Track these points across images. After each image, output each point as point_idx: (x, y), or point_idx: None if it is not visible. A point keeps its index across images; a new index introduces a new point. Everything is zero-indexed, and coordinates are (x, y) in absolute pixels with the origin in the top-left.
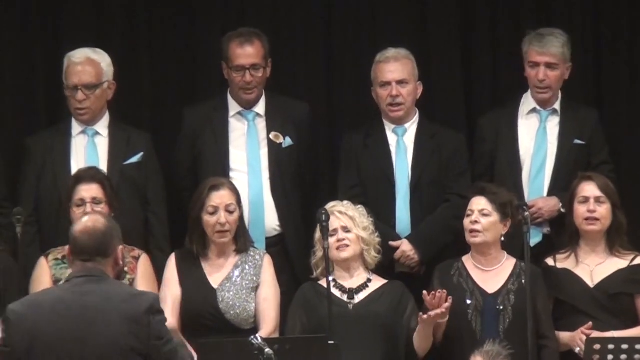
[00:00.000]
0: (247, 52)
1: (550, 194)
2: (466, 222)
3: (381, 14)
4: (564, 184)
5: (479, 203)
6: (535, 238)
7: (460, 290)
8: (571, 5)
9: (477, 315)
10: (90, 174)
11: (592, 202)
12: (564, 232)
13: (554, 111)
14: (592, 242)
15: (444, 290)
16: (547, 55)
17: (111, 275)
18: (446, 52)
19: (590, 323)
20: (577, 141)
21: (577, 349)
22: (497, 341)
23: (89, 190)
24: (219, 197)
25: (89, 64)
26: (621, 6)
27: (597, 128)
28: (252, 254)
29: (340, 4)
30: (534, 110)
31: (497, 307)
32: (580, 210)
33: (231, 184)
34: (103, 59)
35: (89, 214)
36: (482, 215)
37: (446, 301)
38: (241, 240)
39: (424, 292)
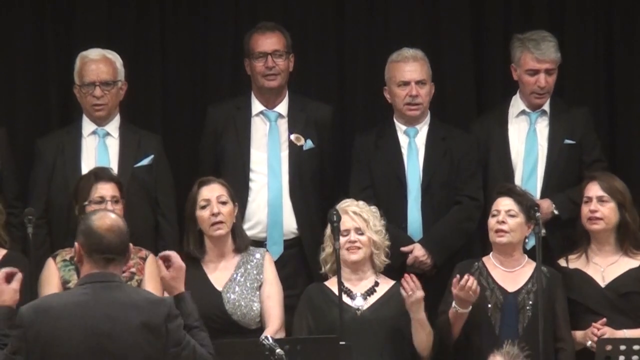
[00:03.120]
0: (268, 39)
1: (543, 195)
2: (492, 221)
3: (393, 15)
4: (556, 184)
5: (505, 203)
6: (531, 240)
7: (480, 288)
8: (584, 3)
9: (496, 313)
10: (107, 174)
11: (595, 201)
12: (558, 234)
13: (543, 112)
14: (600, 241)
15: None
16: (547, 62)
17: (120, 273)
18: (457, 52)
19: (604, 319)
20: (568, 141)
21: (589, 343)
22: (516, 342)
23: (108, 189)
24: (209, 190)
25: (105, 62)
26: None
27: (587, 126)
28: (252, 253)
29: (351, 4)
30: (523, 113)
31: (518, 305)
32: (584, 210)
33: (221, 180)
34: (117, 59)
35: (99, 211)
36: (509, 215)
37: (472, 288)
38: (239, 238)
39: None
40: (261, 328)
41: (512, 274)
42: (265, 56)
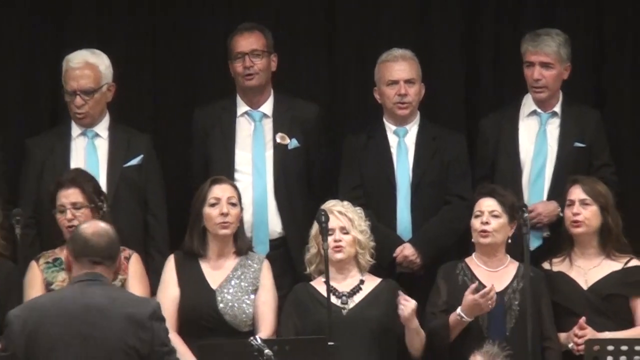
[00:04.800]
0: (246, 39)
1: (550, 197)
2: (475, 222)
3: (383, 15)
4: (563, 186)
5: (488, 204)
6: (535, 242)
7: (465, 289)
8: (574, 5)
9: (484, 314)
10: (69, 178)
11: (577, 204)
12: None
13: (554, 113)
14: (583, 244)
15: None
16: (541, 55)
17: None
18: (447, 53)
19: (584, 317)
20: (578, 144)
21: (571, 344)
22: (497, 342)
23: (67, 196)
24: (221, 190)
25: (87, 68)
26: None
27: (598, 129)
28: (251, 258)
29: (342, 5)
30: (534, 113)
31: (504, 305)
32: (567, 213)
33: (230, 181)
34: (102, 62)
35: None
36: (492, 216)
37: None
38: (240, 241)
39: (471, 287)
40: (252, 332)
41: (496, 274)
42: (243, 56)
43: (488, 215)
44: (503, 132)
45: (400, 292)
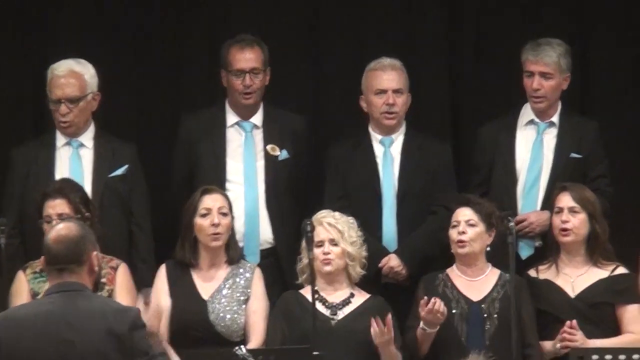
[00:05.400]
0: (247, 56)
1: (543, 207)
2: (453, 233)
3: (368, 25)
4: None
5: (464, 214)
6: (527, 251)
7: (445, 299)
8: (560, 17)
9: (462, 323)
10: (55, 189)
11: (566, 212)
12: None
13: (552, 123)
14: (570, 252)
15: (438, 299)
16: (541, 65)
17: (88, 283)
18: (433, 62)
19: (574, 321)
20: (574, 155)
21: (559, 344)
22: (482, 351)
23: (54, 207)
24: (212, 200)
25: (72, 77)
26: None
27: (595, 141)
28: (242, 266)
29: (326, 15)
30: (531, 122)
31: (483, 314)
32: (556, 221)
33: (222, 190)
34: (87, 70)
35: (58, 223)
36: (468, 225)
37: (439, 311)
38: (232, 250)
39: (422, 302)
40: (244, 342)
41: (476, 283)
42: (243, 74)
43: (464, 224)
44: (500, 141)
45: (384, 318)
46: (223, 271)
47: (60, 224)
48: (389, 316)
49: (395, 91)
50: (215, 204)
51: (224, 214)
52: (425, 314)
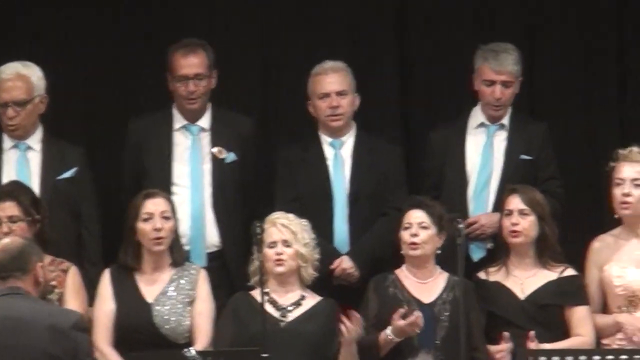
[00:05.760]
0: (190, 62)
1: (494, 209)
2: (405, 235)
3: (317, 28)
4: None
5: (416, 216)
6: (478, 253)
7: (396, 301)
8: (508, 20)
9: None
10: (5, 191)
11: (516, 215)
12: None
13: (502, 126)
14: (520, 254)
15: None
16: (504, 74)
17: (33, 293)
18: (382, 64)
19: (532, 332)
20: (524, 156)
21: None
22: (431, 352)
23: (4, 209)
24: (154, 204)
25: (19, 79)
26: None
27: (545, 143)
28: (187, 268)
29: (274, 17)
30: (481, 125)
31: (434, 316)
32: (505, 223)
33: (166, 194)
34: (33, 73)
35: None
36: (421, 228)
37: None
38: (176, 253)
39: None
40: (189, 344)
41: (426, 285)
42: (186, 80)
43: (417, 227)
44: (451, 144)
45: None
46: (167, 274)
47: (6, 238)
48: (358, 316)
49: (339, 93)
50: (157, 208)
51: (167, 218)
52: (406, 324)
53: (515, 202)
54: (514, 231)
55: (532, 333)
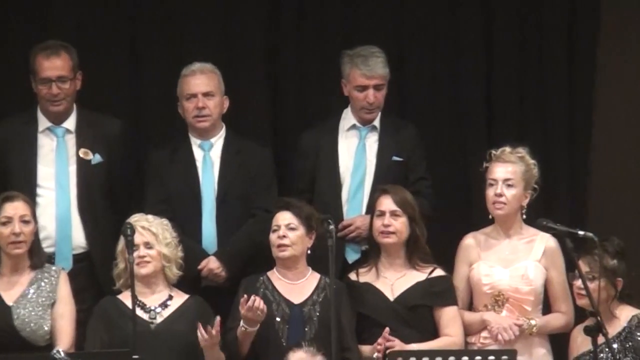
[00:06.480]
0: (53, 64)
1: (368, 211)
2: (273, 237)
3: (187, 30)
4: None
5: (284, 217)
6: (353, 255)
7: (266, 301)
8: (377, 23)
9: (283, 325)
10: None
11: (388, 216)
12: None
13: (373, 128)
14: (391, 255)
15: (258, 297)
16: (375, 78)
17: None
18: (253, 69)
19: (387, 328)
20: (396, 157)
21: (375, 354)
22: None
23: None
24: (13, 208)
25: None
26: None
27: (415, 144)
28: (47, 270)
29: (145, 19)
30: (353, 127)
31: (304, 317)
32: (377, 224)
33: (26, 197)
34: None
35: None
36: (289, 229)
37: (260, 308)
38: (36, 256)
39: (242, 300)
40: (51, 345)
41: (297, 286)
42: (49, 82)
43: (285, 228)
44: (322, 146)
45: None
46: (27, 276)
47: None
48: (218, 318)
49: (205, 94)
50: (16, 212)
51: (26, 222)
52: (245, 311)
53: (386, 203)
54: (386, 232)
55: (386, 330)
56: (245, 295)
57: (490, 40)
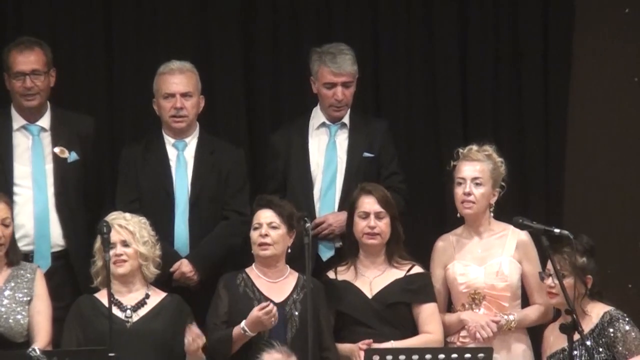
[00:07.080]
0: (27, 58)
1: (340, 208)
2: (254, 234)
3: (162, 27)
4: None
5: (266, 216)
6: (327, 253)
7: (247, 299)
8: (351, 21)
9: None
10: None
11: (373, 217)
12: None
13: (343, 125)
14: (372, 254)
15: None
16: (344, 76)
17: None
18: (228, 67)
19: (370, 340)
20: (366, 154)
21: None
22: (279, 345)
23: None
24: None
25: None
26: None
27: (386, 139)
28: (23, 267)
29: (120, 16)
30: (323, 125)
31: (285, 315)
32: (361, 225)
33: (6, 198)
34: None
35: None
36: (271, 227)
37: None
38: (12, 254)
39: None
40: (27, 342)
41: (277, 285)
42: (23, 76)
43: (266, 227)
44: (293, 146)
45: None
46: (3, 273)
47: None
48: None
49: (184, 95)
50: None
51: (6, 225)
52: (263, 315)
53: (370, 203)
54: (371, 233)
55: (369, 341)
56: (262, 303)
57: (465, 35)
